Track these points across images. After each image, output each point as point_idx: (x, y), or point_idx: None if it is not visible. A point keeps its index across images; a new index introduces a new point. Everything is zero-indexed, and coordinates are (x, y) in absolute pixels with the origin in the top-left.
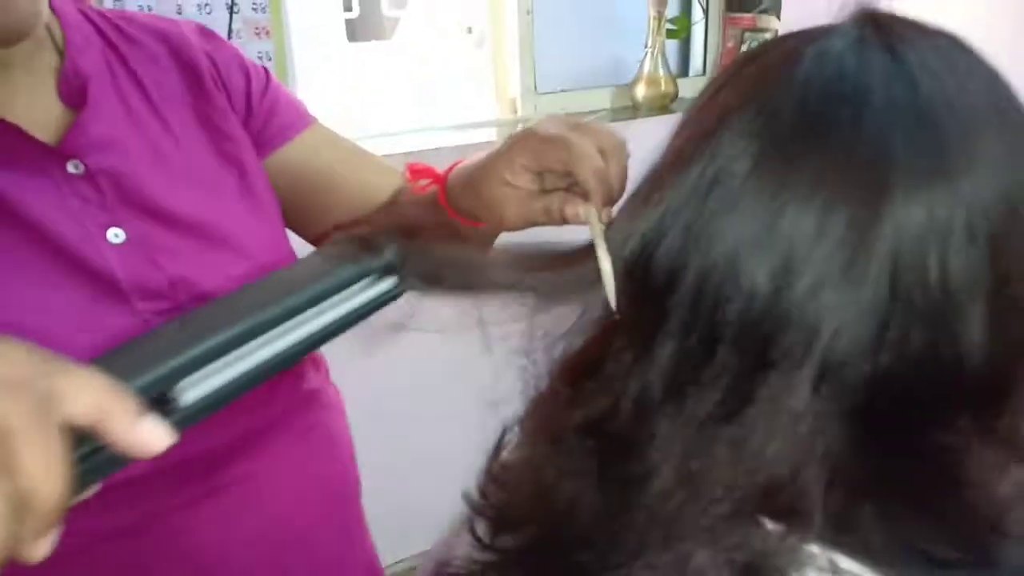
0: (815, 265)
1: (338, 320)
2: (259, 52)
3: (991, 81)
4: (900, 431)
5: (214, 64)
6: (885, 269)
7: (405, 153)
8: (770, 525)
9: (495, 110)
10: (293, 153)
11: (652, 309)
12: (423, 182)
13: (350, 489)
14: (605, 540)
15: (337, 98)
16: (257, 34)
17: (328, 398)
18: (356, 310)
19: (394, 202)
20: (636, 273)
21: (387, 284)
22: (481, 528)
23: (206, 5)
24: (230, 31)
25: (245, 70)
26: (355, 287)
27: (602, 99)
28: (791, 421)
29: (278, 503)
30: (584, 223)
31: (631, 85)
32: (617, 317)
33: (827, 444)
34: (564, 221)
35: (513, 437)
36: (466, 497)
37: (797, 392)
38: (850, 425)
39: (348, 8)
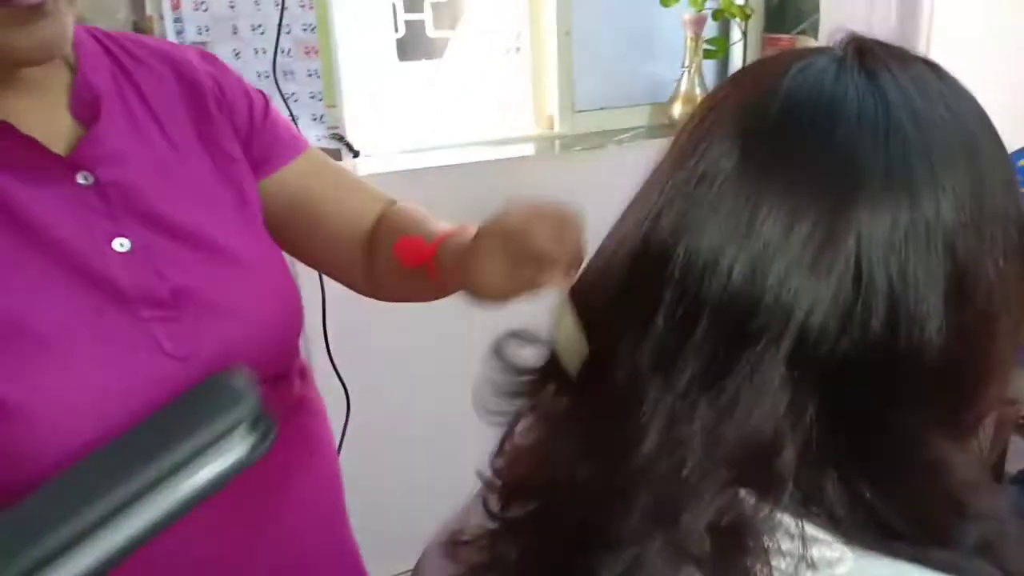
0: (785, 257)
1: (186, 499)
2: (308, 70)
3: (962, 106)
4: (865, 411)
5: (219, 87)
6: (850, 265)
7: (448, 166)
8: (743, 493)
9: (534, 127)
10: (288, 176)
11: (647, 284)
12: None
13: (334, 492)
14: (600, 502)
15: (385, 113)
16: (307, 53)
17: (314, 406)
18: (208, 484)
19: (384, 265)
20: (638, 248)
21: (253, 440)
22: (492, 502)
23: (259, 26)
24: (277, 50)
25: (248, 95)
26: (212, 451)
27: (639, 117)
28: (767, 393)
29: (266, 506)
30: (555, 287)
31: (668, 104)
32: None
33: (800, 418)
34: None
35: (525, 423)
36: (480, 474)
37: (773, 367)
38: (821, 402)
39: (396, 29)
